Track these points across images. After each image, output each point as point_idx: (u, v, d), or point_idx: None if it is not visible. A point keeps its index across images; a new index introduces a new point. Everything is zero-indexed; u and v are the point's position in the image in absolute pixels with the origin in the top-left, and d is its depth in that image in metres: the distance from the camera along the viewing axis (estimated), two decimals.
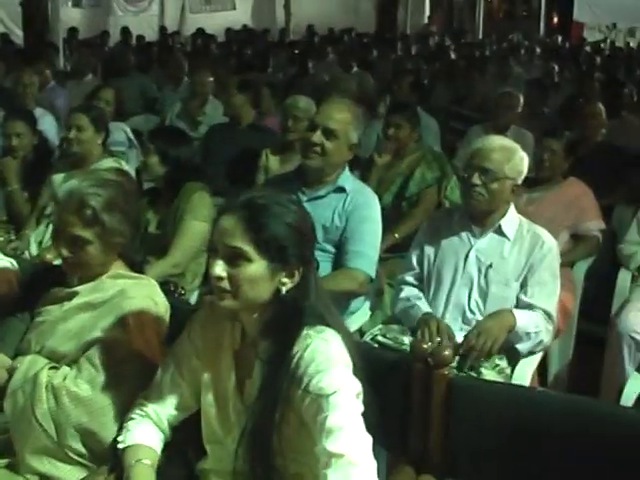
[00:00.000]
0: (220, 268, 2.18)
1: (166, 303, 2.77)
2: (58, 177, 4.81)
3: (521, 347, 3.53)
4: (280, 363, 2.18)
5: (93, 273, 2.77)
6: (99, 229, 2.68)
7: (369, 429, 2.10)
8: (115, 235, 2.71)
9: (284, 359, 2.18)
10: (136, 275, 2.80)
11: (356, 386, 2.15)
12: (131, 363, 2.61)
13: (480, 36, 21.38)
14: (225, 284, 2.18)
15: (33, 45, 12.63)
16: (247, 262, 2.17)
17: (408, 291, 3.81)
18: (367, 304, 4.13)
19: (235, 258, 2.17)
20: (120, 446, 2.46)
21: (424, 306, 3.70)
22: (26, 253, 4.60)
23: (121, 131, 6.40)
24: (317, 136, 3.83)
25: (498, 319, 3.50)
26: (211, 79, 7.50)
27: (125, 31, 17.60)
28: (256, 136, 5.82)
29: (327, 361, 2.15)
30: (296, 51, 14.14)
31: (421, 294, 3.78)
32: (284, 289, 2.21)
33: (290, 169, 4.32)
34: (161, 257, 4.07)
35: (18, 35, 15.32)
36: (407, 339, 3.57)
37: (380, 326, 3.80)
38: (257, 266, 2.17)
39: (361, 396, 2.16)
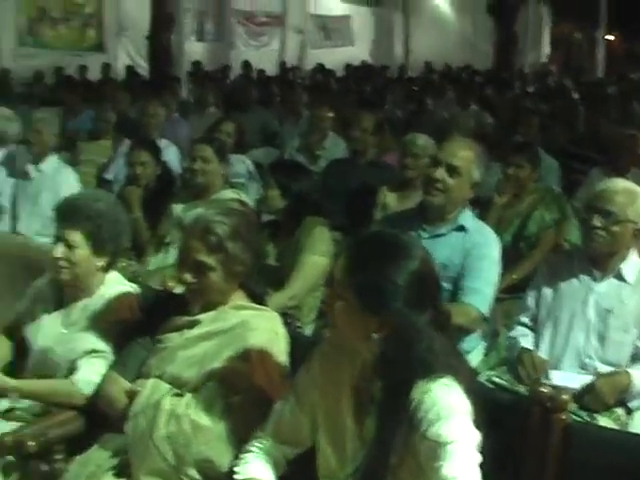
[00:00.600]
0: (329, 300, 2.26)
1: (286, 336, 2.81)
2: (178, 207, 4.92)
3: (633, 404, 3.44)
4: (398, 407, 2.16)
5: (214, 301, 2.82)
6: (222, 256, 2.74)
7: (484, 474, 2.08)
8: (237, 263, 2.76)
9: (402, 403, 2.16)
10: (258, 307, 2.84)
11: (475, 436, 2.12)
12: (251, 395, 2.64)
13: (600, 75, 21.02)
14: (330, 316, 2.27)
15: (158, 77, 12.98)
16: (341, 301, 2.20)
17: (518, 330, 3.77)
18: (482, 344, 4.09)
19: (335, 295, 2.23)
20: (236, 477, 2.48)
21: (525, 342, 3.67)
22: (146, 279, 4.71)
23: (242, 163, 6.51)
24: (440, 173, 3.82)
25: (612, 381, 3.41)
26: (330, 114, 7.55)
27: (246, 65, 17.95)
28: (375, 172, 5.82)
29: (448, 408, 2.12)
30: (414, 88, 14.17)
31: (528, 331, 3.73)
32: (375, 336, 2.19)
33: (408, 206, 4.31)
34: (279, 289, 4.11)
35: (143, 67, 15.78)
36: (522, 388, 3.52)
37: (494, 369, 3.76)
38: (349, 307, 2.19)
39: (479, 445, 2.13)
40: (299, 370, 2.54)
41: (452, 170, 3.83)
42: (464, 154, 3.87)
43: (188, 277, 2.77)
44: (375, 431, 2.22)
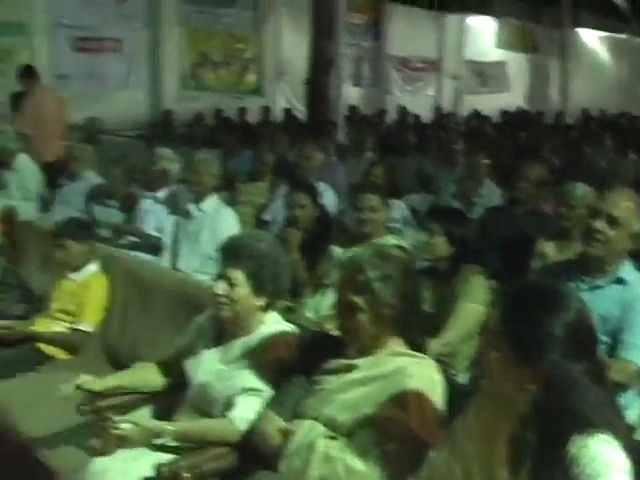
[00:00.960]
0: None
1: (442, 384, 2.78)
2: (338, 249, 4.98)
3: None
4: (553, 459, 2.11)
5: (368, 345, 2.83)
6: (369, 297, 2.76)
7: None
8: (385, 306, 2.77)
9: (557, 456, 2.10)
10: (415, 354, 2.83)
11: None
12: (406, 442, 2.63)
13: None
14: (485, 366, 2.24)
15: (315, 121, 13.18)
16: (495, 351, 2.18)
17: None
18: (639, 402, 3.95)
19: (489, 345, 2.21)
20: None
21: None
22: (303, 321, 4.77)
23: (397, 208, 6.52)
24: (600, 224, 3.76)
25: None
26: (487, 161, 7.49)
27: (402, 110, 18.06)
28: (533, 221, 5.74)
29: (607, 465, 2.05)
30: (571, 135, 13.93)
31: None
32: (530, 387, 2.15)
33: (567, 256, 4.24)
34: (434, 336, 4.09)
35: (300, 110, 16.06)
36: None
37: None
38: (503, 357, 2.16)
39: None
40: (455, 419, 2.51)
41: (613, 221, 3.76)
42: (625, 204, 3.79)
43: (340, 316, 2.82)
44: None
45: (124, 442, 3.11)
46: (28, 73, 9.81)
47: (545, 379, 2.13)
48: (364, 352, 2.85)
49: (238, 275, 3.23)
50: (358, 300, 2.77)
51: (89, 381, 3.47)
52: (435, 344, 4.02)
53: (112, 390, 3.51)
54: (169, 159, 6.94)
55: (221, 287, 3.23)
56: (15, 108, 10.04)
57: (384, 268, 2.80)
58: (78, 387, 3.45)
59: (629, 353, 3.67)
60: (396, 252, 2.93)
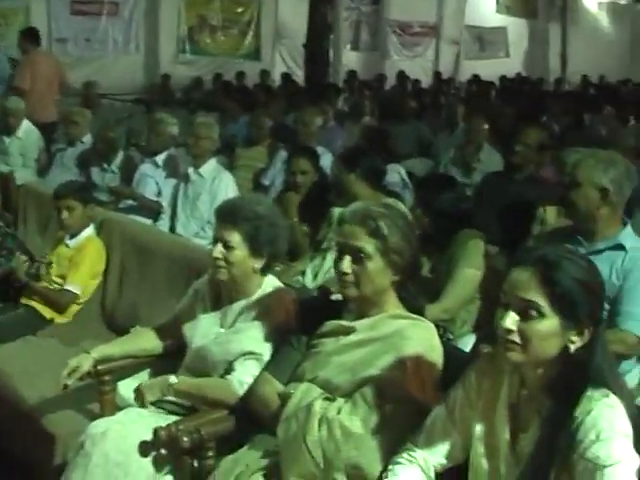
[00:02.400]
0: (511, 321, 2.17)
1: (441, 347, 2.77)
2: (338, 210, 4.95)
3: None
4: (561, 423, 2.14)
5: (369, 306, 2.81)
6: (381, 243, 2.72)
7: None
8: (396, 253, 2.74)
9: (566, 419, 2.13)
10: (415, 317, 2.81)
11: (636, 461, 2.07)
12: (404, 405, 2.62)
13: None
14: (515, 337, 2.17)
15: (314, 85, 13.13)
16: (540, 317, 2.15)
17: None
18: (638, 368, 3.95)
19: (528, 312, 2.16)
20: None
21: None
22: (302, 283, 4.77)
23: (396, 173, 6.50)
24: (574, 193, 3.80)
25: None
26: (486, 126, 7.46)
27: (401, 75, 17.96)
28: (532, 188, 5.72)
29: (610, 430, 2.08)
30: (571, 101, 13.85)
31: None
32: (572, 347, 2.17)
33: (567, 223, 4.21)
34: (433, 301, 4.08)
35: (298, 75, 16.01)
36: None
37: None
38: (550, 322, 2.15)
39: (638, 471, 2.07)
40: (454, 385, 2.52)
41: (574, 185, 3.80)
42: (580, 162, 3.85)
43: (345, 266, 2.75)
44: (533, 449, 2.20)
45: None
46: (30, 35, 9.76)
47: (585, 338, 2.17)
48: (363, 314, 2.83)
49: (235, 237, 3.20)
50: (368, 246, 2.73)
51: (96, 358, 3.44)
52: (434, 309, 4.02)
53: (117, 359, 3.51)
54: (168, 123, 6.90)
55: (218, 250, 3.21)
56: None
57: (391, 217, 2.77)
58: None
59: (628, 324, 3.63)
60: (400, 207, 2.91)
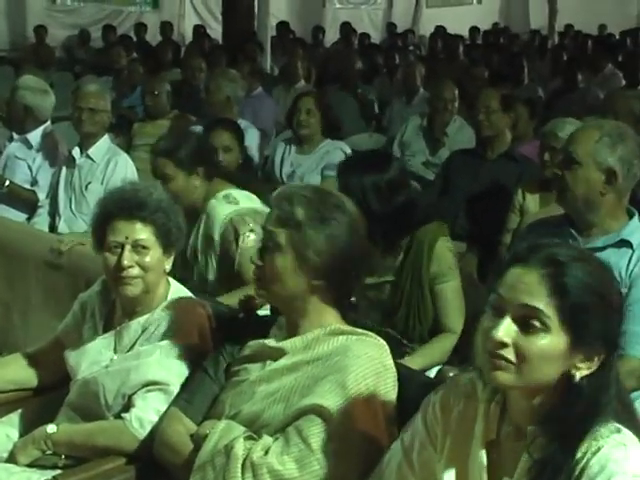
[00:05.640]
0: (506, 332, 2.12)
1: (394, 369, 2.79)
2: None
3: None
4: (559, 466, 2.12)
5: (299, 315, 2.83)
6: (294, 232, 2.74)
7: None
8: (310, 248, 2.74)
9: (566, 461, 2.11)
10: (360, 331, 2.82)
11: None
12: (351, 441, 2.63)
13: None
14: (509, 353, 2.13)
15: (234, 41, 13.07)
16: (544, 331, 2.11)
17: None
18: None
19: (530, 323, 2.12)
20: None
21: None
22: None
23: (339, 151, 6.49)
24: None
25: None
26: (455, 91, 7.50)
27: (345, 28, 17.97)
28: (508, 167, 5.75)
29: (622, 474, 2.07)
30: (561, 59, 14.01)
31: None
32: (578, 375, 2.15)
33: (554, 212, 4.23)
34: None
35: (215, 29, 15.96)
36: None
37: None
38: (556, 339, 2.12)
39: None
40: (411, 419, 2.50)
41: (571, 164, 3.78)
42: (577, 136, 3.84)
43: (257, 260, 2.82)
44: None
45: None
46: None
47: (593, 364, 2.15)
48: (294, 331, 2.85)
49: (147, 235, 3.20)
50: (279, 234, 2.76)
51: None
52: (447, 341, 4.00)
53: None
54: (39, 90, 6.75)
55: (128, 256, 3.16)
56: None
57: (320, 209, 2.78)
58: None
59: (635, 347, 3.59)
60: (346, 201, 2.89)
